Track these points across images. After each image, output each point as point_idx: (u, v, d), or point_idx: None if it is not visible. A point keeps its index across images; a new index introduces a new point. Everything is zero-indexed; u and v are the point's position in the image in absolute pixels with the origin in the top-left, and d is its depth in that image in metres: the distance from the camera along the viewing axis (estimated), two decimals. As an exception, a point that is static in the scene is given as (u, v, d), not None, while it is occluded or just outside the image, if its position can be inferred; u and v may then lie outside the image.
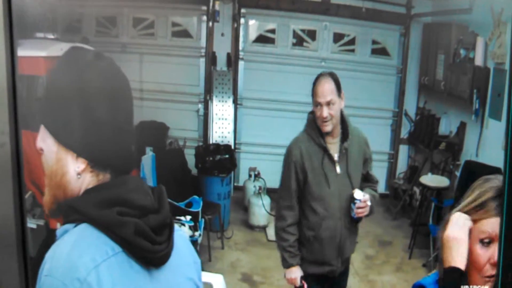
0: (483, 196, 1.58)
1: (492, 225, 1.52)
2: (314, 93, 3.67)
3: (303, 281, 3.84)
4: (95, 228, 1.41)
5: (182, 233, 1.72)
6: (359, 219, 3.80)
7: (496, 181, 1.60)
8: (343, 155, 3.73)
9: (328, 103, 3.60)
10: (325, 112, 3.60)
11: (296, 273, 3.83)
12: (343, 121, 3.77)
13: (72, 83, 1.47)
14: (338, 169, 3.73)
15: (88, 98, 1.46)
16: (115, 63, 1.55)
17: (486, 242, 1.51)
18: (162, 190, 1.60)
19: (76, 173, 1.49)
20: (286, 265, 3.85)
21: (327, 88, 3.62)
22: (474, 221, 1.57)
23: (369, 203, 3.68)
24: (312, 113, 3.77)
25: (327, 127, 3.66)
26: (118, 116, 1.52)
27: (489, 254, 1.50)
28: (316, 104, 3.65)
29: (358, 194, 3.65)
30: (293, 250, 3.81)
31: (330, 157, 3.72)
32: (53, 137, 1.48)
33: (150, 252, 1.45)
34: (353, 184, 3.74)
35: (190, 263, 1.69)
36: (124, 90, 1.56)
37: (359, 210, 3.67)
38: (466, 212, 1.58)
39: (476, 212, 1.57)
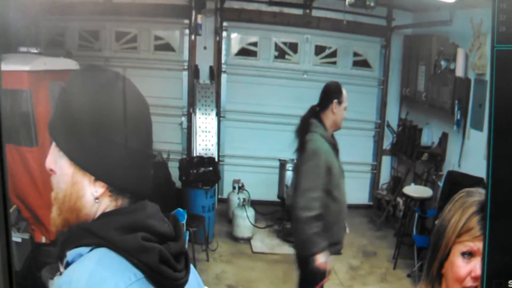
0: (466, 214, 1.57)
1: (473, 239, 1.53)
2: (343, 97, 4.22)
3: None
4: (116, 253, 1.35)
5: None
6: None
7: (478, 195, 1.59)
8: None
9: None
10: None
11: (327, 256, 4.09)
12: None
13: (90, 103, 1.41)
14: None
15: (107, 119, 1.41)
16: (133, 84, 1.50)
17: (467, 256, 1.52)
18: (177, 218, 1.55)
19: (93, 197, 1.43)
20: (319, 249, 4.05)
21: None
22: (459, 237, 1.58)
23: None
24: (314, 118, 4.18)
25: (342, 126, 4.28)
26: (138, 139, 1.47)
27: (470, 268, 1.51)
28: (344, 107, 4.22)
29: None
30: (323, 235, 4.06)
31: (337, 152, 4.21)
32: (69, 159, 1.42)
33: (171, 279, 1.40)
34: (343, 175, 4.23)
35: None
36: (144, 112, 1.52)
37: None
38: (457, 233, 1.57)
39: (464, 233, 1.56)
